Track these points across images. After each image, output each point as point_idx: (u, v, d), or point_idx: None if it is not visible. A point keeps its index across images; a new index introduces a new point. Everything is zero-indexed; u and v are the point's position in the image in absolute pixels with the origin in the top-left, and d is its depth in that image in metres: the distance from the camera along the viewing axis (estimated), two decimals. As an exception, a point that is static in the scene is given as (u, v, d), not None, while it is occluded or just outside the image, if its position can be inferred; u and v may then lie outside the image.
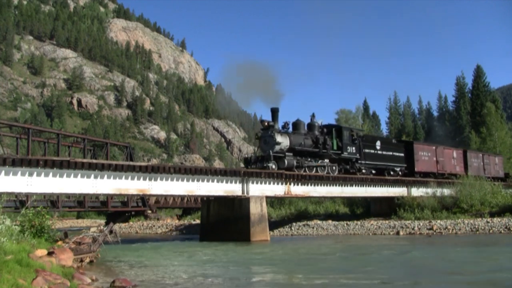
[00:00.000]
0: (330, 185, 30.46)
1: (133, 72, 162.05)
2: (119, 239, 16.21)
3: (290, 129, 29.61)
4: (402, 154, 36.41)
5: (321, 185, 29.91)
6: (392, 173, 35.21)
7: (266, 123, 28.09)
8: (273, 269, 14.42)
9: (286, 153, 27.68)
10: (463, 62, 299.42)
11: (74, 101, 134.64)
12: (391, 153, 35.13)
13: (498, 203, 32.35)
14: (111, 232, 15.30)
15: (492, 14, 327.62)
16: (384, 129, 79.68)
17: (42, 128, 49.57)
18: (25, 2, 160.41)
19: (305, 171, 28.63)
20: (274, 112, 28.66)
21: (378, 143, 34.29)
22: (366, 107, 79.59)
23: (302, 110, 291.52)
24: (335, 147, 30.92)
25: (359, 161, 32.42)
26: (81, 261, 13.40)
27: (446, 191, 34.21)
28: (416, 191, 36.12)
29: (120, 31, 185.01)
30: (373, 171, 33.75)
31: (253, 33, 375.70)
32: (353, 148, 31.95)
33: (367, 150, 33.16)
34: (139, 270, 14.03)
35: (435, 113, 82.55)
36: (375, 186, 33.53)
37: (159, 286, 11.15)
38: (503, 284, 10.83)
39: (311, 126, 30.82)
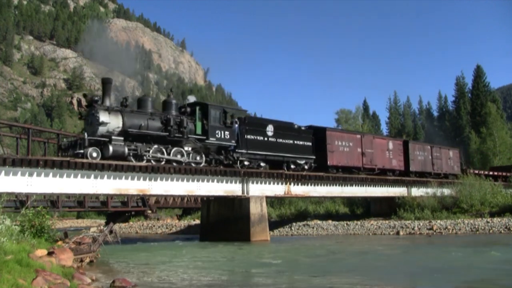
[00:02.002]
0: (330, 185, 30.44)
1: (133, 72, 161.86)
2: (119, 239, 16.22)
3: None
4: (309, 144, 29.01)
5: (321, 185, 29.90)
6: (293, 166, 28.00)
7: (89, 98, 21.84)
8: (273, 269, 14.42)
9: (114, 137, 20.80)
10: (463, 62, 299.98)
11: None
12: (291, 141, 27.86)
13: (498, 203, 32.35)
14: (111, 232, 15.31)
15: (492, 14, 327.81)
16: (384, 129, 79.77)
17: (42, 128, 49.58)
18: (25, 2, 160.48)
19: (154, 161, 22.24)
20: (105, 83, 22.25)
21: (269, 129, 26.93)
22: (366, 107, 79.67)
23: (302, 110, 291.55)
24: (199, 131, 23.85)
25: (238, 150, 25.23)
26: (81, 261, 13.40)
27: (446, 191, 34.21)
28: (416, 191, 36.11)
29: (120, 31, 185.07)
30: (262, 164, 26.71)
31: (253, 33, 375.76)
32: (227, 133, 24.58)
33: (251, 137, 25.87)
34: (139, 270, 14.02)
35: (435, 113, 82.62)
36: (375, 186, 33.51)
37: (159, 286, 11.16)
38: (503, 284, 10.84)
39: (166, 104, 24.13)
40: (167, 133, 22.42)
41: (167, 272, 13.70)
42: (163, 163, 22.27)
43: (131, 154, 21.37)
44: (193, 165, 23.30)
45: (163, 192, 23.56)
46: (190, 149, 23.63)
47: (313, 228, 33.04)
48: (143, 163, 21.68)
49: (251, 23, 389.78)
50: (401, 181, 35.54)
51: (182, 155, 23.15)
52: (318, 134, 29.87)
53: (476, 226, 27.36)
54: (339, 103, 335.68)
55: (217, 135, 24.35)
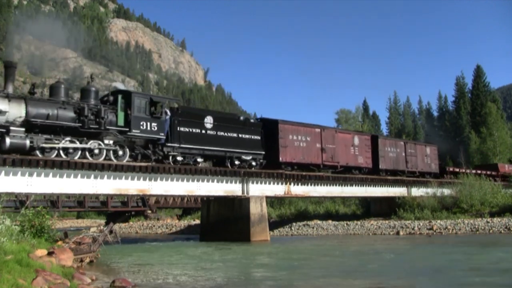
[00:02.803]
0: (330, 185, 30.45)
1: (133, 72, 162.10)
2: (119, 239, 16.21)
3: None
4: (257, 138, 26.30)
5: (321, 185, 29.91)
6: (237, 162, 25.24)
7: None
8: (273, 269, 14.43)
9: (13, 128, 18.17)
10: (463, 62, 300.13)
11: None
12: (235, 135, 25.23)
13: (498, 203, 32.36)
14: (111, 232, 15.31)
15: (492, 14, 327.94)
16: (384, 129, 79.75)
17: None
18: (25, 2, 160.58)
19: (60, 155, 19.32)
20: (7, 67, 20.20)
21: (208, 120, 24.31)
22: (366, 107, 79.64)
23: (302, 110, 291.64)
24: (121, 123, 21.09)
25: (169, 144, 22.61)
26: (81, 261, 13.40)
27: (446, 191, 34.20)
28: (417, 191, 36.10)
29: (120, 31, 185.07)
30: (199, 159, 24.00)
31: (253, 33, 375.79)
32: (154, 124, 21.87)
33: (185, 129, 23.26)
34: (139, 270, 14.03)
35: (435, 113, 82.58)
36: (375, 186, 33.51)
37: (159, 286, 11.16)
38: (503, 284, 10.83)
39: (84, 92, 21.52)
40: (80, 124, 19.70)
41: (167, 272, 13.70)
42: (76, 157, 19.68)
43: (36, 147, 18.60)
44: (114, 160, 20.68)
45: (163, 192, 23.57)
46: (111, 142, 20.88)
47: (313, 228, 33.04)
48: (143, 163, 21.69)
49: (251, 23, 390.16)
50: (401, 181, 35.53)
51: (100, 149, 20.41)
52: (268, 127, 27.04)
53: (476, 226, 27.36)
54: (339, 103, 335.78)
55: (141, 127, 21.47)
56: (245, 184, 25.77)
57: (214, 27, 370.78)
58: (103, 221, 55.09)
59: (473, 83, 69.75)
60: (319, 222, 34.64)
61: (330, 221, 34.31)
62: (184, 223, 43.51)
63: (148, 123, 21.70)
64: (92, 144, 20.06)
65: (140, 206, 48.51)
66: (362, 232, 30.09)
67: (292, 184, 28.10)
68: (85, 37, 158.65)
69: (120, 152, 21.17)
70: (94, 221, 61.71)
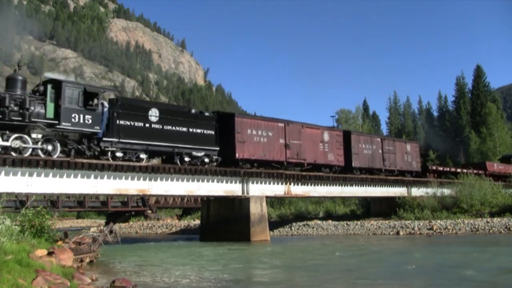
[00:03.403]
0: (330, 185, 30.46)
1: (133, 72, 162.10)
2: (119, 239, 16.21)
3: None
4: (211, 132, 24.22)
5: (321, 185, 29.91)
6: (188, 159, 23.24)
7: None
8: (273, 269, 14.43)
9: None
10: (463, 62, 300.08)
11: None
12: (185, 129, 23.21)
13: (498, 203, 32.35)
14: (111, 232, 15.31)
15: (492, 14, 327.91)
16: (384, 129, 79.74)
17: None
18: (25, 2, 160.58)
19: None
20: None
21: (153, 113, 22.21)
22: (366, 107, 79.60)
23: (302, 110, 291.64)
24: (50, 115, 19.02)
25: (106, 139, 20.52)
26: (81, 261, 13.40)
27: (446, 191, 34.19)
28: (417, 191, 36.09)
29: (120, 31, 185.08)
30: (143, 155, 21.90)
31: (253, 33, 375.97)
32: (88, 117, 19.75)
33: (126, 122, 21.13)
34: (139, 270, 14.03)
35: (435, 113, 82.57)
36: (375, 186, 33.52)
37: (159, 286, 11.16)
38: (503, 284, 10.83)
39: (9, 81, 19.19)
40: (0, 116, 17.82)
41: (167, 272, 13.70)
42: None
43: None
44: (41, 155, 18.75)
45: (163, 192, 23.58)
46: (39, 136, 18.93)
47: (313, 228, 33.04)
48: (143, 163, 21.69)
49: (251, 23, 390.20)
50: (401, 181, 35.54)
51: (26, 143, 18.40)
52: (224, 121, 25.06)
53: (476, 226, 27.36)
54: (339, 103, 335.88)
55: (73, 120, 19.37)
56: (245, 184, 25.78)
57: (214, 27, 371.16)
58: (103, 221, 55.09)
59: (473, 83, 69.77)
60: (319, 222, 34.64)
61: (330, 221, 34.31)
62: (184, 223, 43.51)
63: (81, 116, 19.56)
64: (13, 141, 18.05)
65: (140, 206, 48.50)
66: (362, 232, 30.09)
67: (292, 184, 28.10)
68: (84, 37, 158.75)
69: (50, 147, 19.16)
70: (94, 221, 61.71)
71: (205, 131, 24.13)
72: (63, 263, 11.16)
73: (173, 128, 22.92)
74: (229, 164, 24.91)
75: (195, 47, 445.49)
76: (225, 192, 25.11)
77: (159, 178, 22.45)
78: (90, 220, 64.32)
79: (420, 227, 28.89)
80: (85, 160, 19.84)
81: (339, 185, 31.08)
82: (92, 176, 20.21)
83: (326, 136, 30.04)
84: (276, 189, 27.37)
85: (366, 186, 32.78)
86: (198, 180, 23.83)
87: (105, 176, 20.60)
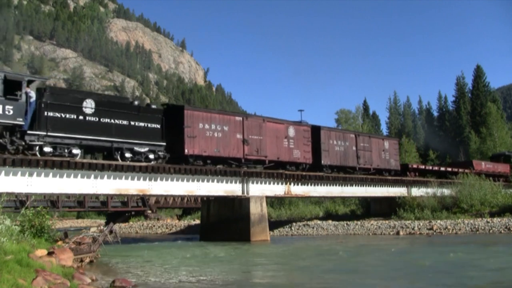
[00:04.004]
0: (330, 185, 30.47)
1: (133, 72, 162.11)
2: (119, 239, 16.23)
3: None
4: (156, 126, 22.31)
5: (321, 185, 29.92)
6: (129, 155, 21.27)
7: None
8: (273, 269, 14.43)
9: None
10: (463, 62, 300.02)
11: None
12: (125, 122, 21.25)
13: (498, 203, 32.35)
14: (111, 232, 15.31)
15: (492, 14, 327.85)
16: (384, 129, 79.75)
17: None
18: (25, 2, 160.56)
19: None
20: None
21: (88, 104, 20.27)
22: (366, 107, 79.57)
23: (303, 109, 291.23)
24: None
25: (32, 132, 18.58)
26: (81, 261, 13.41)
27: (446, 191, 34.18)
28: (417, 191, 36.09)
29: (120, 31, 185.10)
30: (76, 151, 19.81)
31: (253, 33, 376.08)
32: (9, 107, 17.87)
33: (55, 114, 19.23)
34: (139, 270, 14.03)
35: (435, 113, 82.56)
36: (375, 186, 33.53)
37: (159, 286, 11.16)
38: (503, 284, 10.83)
39: None
40: None
41: (167, 272, 13.70)
42: None
43: None
44: None
45: (163, 192, 23.59)
46: None
47: (313, 228, 33.04)
48: (143, 163, 21.69)
49: (251, 23, 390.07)
50: (401, 181, 35.54)
51: None
52: (173, 115, 23.24)
53: (476, 226, 27.36)
54: (339, 103, 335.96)
55: None
56: (245, 184, 25.78)
57: (214, 27, 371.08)
58: (103, 221, 55.11)
59: (473, 83, 69.79)
60: (319, 222, 34.65)
61: (330, 221, 34.31)
62: (184, 223, 43.52)
63: (0, 106, 17.69)
64: None
65: (140, 206, 48.52)
66: (362, 232, 30.09)
67: (292, 184, 28.11)
68: (84, 37, 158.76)
69: None
70: (94, 221, 61.74)
71: (149, 125, 22.16)
72: (63, 263, 11.16)
73: (112, 121, 20.90)
74: (178, 161, 23.15)
75: (195, 47, 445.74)
76: (225, 192, 25.12)
77: (159, 178, 22.46)
78: (90, 220, 64.35)
79: (420, 227, 28.89)
80: (85, 160, 19.87)
81: (339, 185, 31.09)
82: (92, 176, 20.22)
83: (291, 131, 27.99)
84: (276, 189, 27.38)
85: (366, 186, 32.80)
86: (198, 180, 23.84)
87: (105, 176, 20.61)
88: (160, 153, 22.46)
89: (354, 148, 31.80)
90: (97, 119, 20.37)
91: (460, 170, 39.85)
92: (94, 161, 20.12)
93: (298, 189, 28.59)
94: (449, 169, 40.75)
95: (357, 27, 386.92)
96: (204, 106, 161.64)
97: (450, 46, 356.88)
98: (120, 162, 20.84)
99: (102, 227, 30.76)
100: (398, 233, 28.46)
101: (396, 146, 36.08)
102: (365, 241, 24.83)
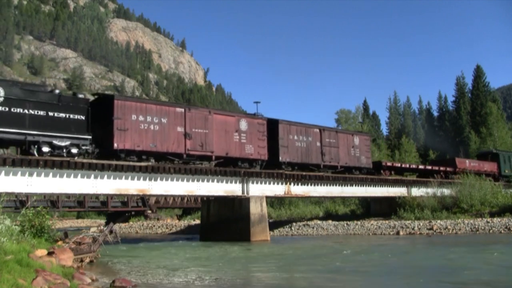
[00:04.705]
0: (330, 185, 30.49)
1: (133, 72, 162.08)
2: (119, 239, 16.22)
3: None
4: (80, 117, 20.09)
5: (321, 185, 29.93)
6: (47, 149, 19.06)
7: None
8: (273, 269, 14.42)
9: None
10: (463, 62, 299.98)
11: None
12: (42, 113, 18.98)
13: (498, 203, 32.36)
14: (111, 232, 15.31)
15: (492, 14, 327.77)
16: (384, 129, 79.75)
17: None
18: (25, 2, 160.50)
19: None
20: None
21: None
22: (366, 107, 79.57)
23: (302, 110, 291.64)
24: None
25: None
26: (81, 261, 13.41)
27: (446, 191, 34.19)
28: (417, 191, 36.09)
29: (120, 31, 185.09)
30: None
31: (253, 33, 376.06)
32: None
33: None
34: (139, 270, 14.03)
35: (435, 113, 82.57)
36: (375, 186, 33.54)
37: (159, 286, 11.16)
38: (502, 284, 10.83)
39: None
40: None
41: (167, 272, 13.70)
42: None
43: None
44: None
45: (163, 192, 23.60)
46: None
47: (313, 228, 33.04)
48: (143, 163, 21.69)
49: (251, 23, 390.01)
50: (401, 181, 35.56)
51: None
52: (101, 105, 21.24)
53: (476, 226, 27.36)
54: (339, 103, 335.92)
55: None
56: (245, 184, 25.79)
57: (214, 27, 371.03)
58: (103, 221, 55.12)
59: (473, 83, 69.79)
60: (319, 222, 34.65)
61: (330, 221, 34.31)
62: (184, 223, 43.53)
63: None
64: None
65: (140, 206, 48.52)
66: (362, 232, 30.08)
67: (292, 184, 28.12)
68: (84, 37, 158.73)
69: None
70: (94, 221, 61.75)
71: (71, 116, 19.88)
72: (63, 263, 11.17)
73: (25, 111, 18.60)
74: (108, 157, 21.05)
75: (195, 47, 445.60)
76: (225, 192, 25.12)
77: (159, 178, 22.46)
78: (90, 220, 64.37)
79: (420, 227, 28.89)
80: (85, 160, 19.86)
81: (339, 185, 31.11)
82: (92, 176, 20.23)
83: (243, 125, 25.64)
84: (276, 189, 27.38)
85: (366, 186, 32.81)
86: (198, 180, 23.85)
87: (105, 176, 20.61)
88: (85, 147, 20.20)
89: (318, 144, 29.43)
90: (7, 109, 18.20)
91: (442, 168, 38.71)
92: (94, 161, 20.12)
93: (298, 189, 28.59)
94: (429, 167, 39.25)
95: (357, 27, 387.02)
96: (204, 106, 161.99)
97: (450, 46, 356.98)
98: (120, 162, 20.85)
99: (102, 227, 30.75)
100: (398, 233, 28.45)
101: (367, 142, 33.70)
102: (365, 241, 24.82)
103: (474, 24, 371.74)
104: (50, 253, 11.30)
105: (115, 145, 20.75)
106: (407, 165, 38.82)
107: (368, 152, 33.51)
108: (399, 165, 37.76)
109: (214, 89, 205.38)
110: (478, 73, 69.35)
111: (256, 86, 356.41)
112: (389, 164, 36.68)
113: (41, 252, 11.05)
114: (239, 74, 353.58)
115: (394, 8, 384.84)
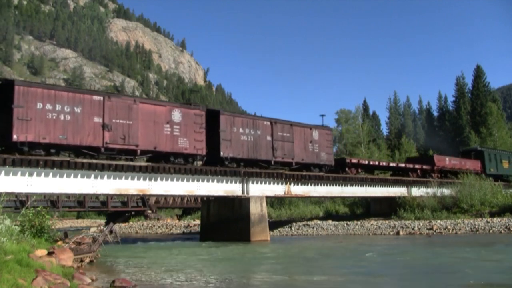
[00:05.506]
0: (330, 185, 30.50)
1: (133, 72, 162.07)
2: (119, 239, 16.21)
3: None
4: None
5: (321, 185, 29.93)
6: None
7: None
8: (273, 269, 14.42)
9: None
10: (463, 62, 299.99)
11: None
12: None
13: (498, 203, 32.36)
14: (111, 232, 15.31)
15: (492, 14, 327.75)
16: (384, 129, 79.77)
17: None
18: (25, 2, 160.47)
19: None
20: None
21: None
22: (366, 107, 79.60)
23: (302, 110, 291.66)
24: None
25: None
26: (81, 261, 13.40)
27: (447, 191, 34.19)
28: (417, 191, 36.09)
29: (120, 31, 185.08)
30: None
31: (253, 33, 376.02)
32: None
33: None
34: (139, 270, 14.02)
35: (435, 113, 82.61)
36: (375, 186, 33.55)
37: (159, 286, 11.16)
38: (502, 284, 10.83)
39: None
40: None
41: (167, 272, 13.69)
42: None
43: None
44: None
45: (163, 192, 23.59)
46: None
47: (313, 228, 33.04)
48: (143, 163, 21.68)
49: (251, 23, 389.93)
50: (401, 181, 35.56)
51: None
52: (2, 93, 18.97)
53: (476, 226, 27.36)
54: (339, 103, 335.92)
55: None
56: (245, 184, 25.79)
57: (214, 27, 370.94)
58: (103, 221, 55.11)
59: (473, 83, 69.83)
60: (319, 222, 34.66)
61: (330, 221, 34.32)
62: (184, 223, 43.52)
63: None
64: None
65: (140, 206, 48.52)
66: (362, 232, 30.08)
67: (292, 184, 28.12)
68: (84, 37, 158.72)
69: None
70: (94, 221, 61.72)
71: None
72: (63, 263, 11.16)
73: None
74: (9, 150, 18.82)
75: (195, 47, 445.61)
76: (225, 192, 25.12)
77: (159, 178, 22.46)
78: (90, 220, 64.33)
79: (420, 227, 28.89)
80: (85, 160, 19.84)
81: (339, 185, 31.13)
82: (92, 176, 20.23)
83: (176, 116, 22.97)
84: (276, 189, 27.38)
85: (366, 186, 32.83)
86: (198, 180, 23.84)
87: (105, 176, 20.62)
88: None
89: (268, 138, 26.72)
90: None
91: (417, 166, 37.02)
92: (94, 161, 20.11)
93: (298, 189, 28.59)
94: (403, 165, 37.33)
95: (357, 27, 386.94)
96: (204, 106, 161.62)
97: (450, 46, 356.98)
98: (120, 162, 20.84)
99: (102, 227, 30.76)
100: (398, 233, 28.45)
101: (329, 137, 30.79)
102: (365, 241, 24.82)
103: (474, 24, 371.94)
104: (50, 253, 11.30)
105: (15, 136, 18.20)
106: (376, 163, 36.36)
107: (330, 148, 30.92)
108: (366, 162, 35.20)
109: (214, 89, 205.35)
110: (478, 73, 69.38)
111: (256, 86, 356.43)
112: (354, 161, 33.97)
113: (41, 252, 11.04)
114: (239, 74, 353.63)
115: (394, 8, 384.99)
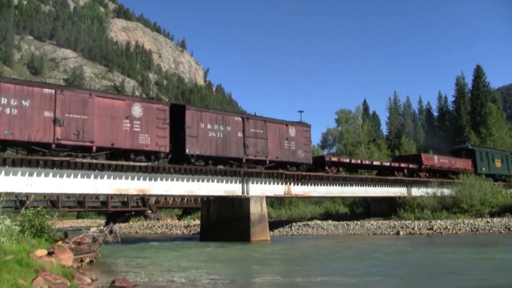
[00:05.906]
0: (330, 185, 30.49)
1: (133, 72, 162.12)
2: (119, 239, 16.21)
3: None
4: None
5: (321, 185, 29.93)
6: None
7: None
8: (273, 269, 14.42)
9: None
10: (463, 62, 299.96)
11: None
12: None
13: (498, 203, 32.36)
14: (111, 232, 15.30)
15: (492, 14, 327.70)
16: (384, 129, 79.73)
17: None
18: (25, 2, 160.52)
19: None
20: None
21: None
22: (366, 107, 79.54)
23: (303, 109, 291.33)
24: None
25: None
26: (81, 261, 13.40)
27: (446, 191, 34.18)
28: (417, 191, 36.08)
29: (120, 31, 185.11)
30: None
31: (253, 33, 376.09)
32: None
33: None
34: (139, 270, 14.02)
35: (435, 113, 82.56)
36: (376, 186, 33.54)
37: (159, 286, 11.15)
38: (502, 284, 10.82)
39: None
40: None
41: (167, 272, 13.69)
42: None
43: None
44: None
45: (163, 192, 23.58)
46: None
47: (313, 228, 33.03)
48: (143, 163, 21.68)
49: (251, 23, 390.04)
50: (401, 181, 35.54)
51: None
52: None
53: (476, 226, 27.36)
54: (339, 103, 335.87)
55: None
56: (245, 184, 25.78)
57: (214, 27, 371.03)
58: (103, 221, 55.13)
59: (473, 83, 69.79)
60: (319, 222, 34.66)
61: (330, 221, 34.32)
62: (184, 223, 43.51)
63: None
64: None
65: (140, 206, 48.54)
66: (362, 232, 30.08)
67: (292, 184, 28.11)
68: (84, 37, 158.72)
69: None
70: (94, 221, 61.75)
71: None
72: (63, 263, 11.16)
73: None
74: None
75: (195, 47, 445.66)
76: (225, 192, 25.12)
77: (159, 178, 22.45)
78: (90, 220, 64.36)
79: (420, 227, 28.89)
80: (85, 160, 19.83)
81: (339, 185, 31.12)
82: (92, 176, 20.22)
83: (137, 111, 21.61)
84: (276, 189, 27.38)
85: (366, 186, 32.82)
86: (198, 180, 23.84)
87: (105, 176, 20.61)
88: None
89: (240, 134, 25.48)
90: None
91: (403, 165, 35.78)
92: (94, 161, 20.11)
93: (298, 189, 28.59)
94: (387, 163, 36.09)
95: (357, 27, 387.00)
96: (204, 106, 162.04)
97: (450, 46, 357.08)
98: (120, 162, 20.84)
99: (102, 227, 30.77)
100: (398, 233, 28.45)
101: (307, 134, 29.21)
102: (365, 241, 24.81)
103: (474, 24, 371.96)
104: (50, 253, 11.30)
105: None
106: (359, 161, 34.66)
107: (308, 146, 29.30)
108: (347, 160, 33.44)
109: (214, 89, 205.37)
110: (478, 73, 69.35)
111: (256, 86, 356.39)
112: (334, 159, 32.15)
113: (41, 252, 11.04)
114: (239, 74, 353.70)
115: (394, 8, 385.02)
